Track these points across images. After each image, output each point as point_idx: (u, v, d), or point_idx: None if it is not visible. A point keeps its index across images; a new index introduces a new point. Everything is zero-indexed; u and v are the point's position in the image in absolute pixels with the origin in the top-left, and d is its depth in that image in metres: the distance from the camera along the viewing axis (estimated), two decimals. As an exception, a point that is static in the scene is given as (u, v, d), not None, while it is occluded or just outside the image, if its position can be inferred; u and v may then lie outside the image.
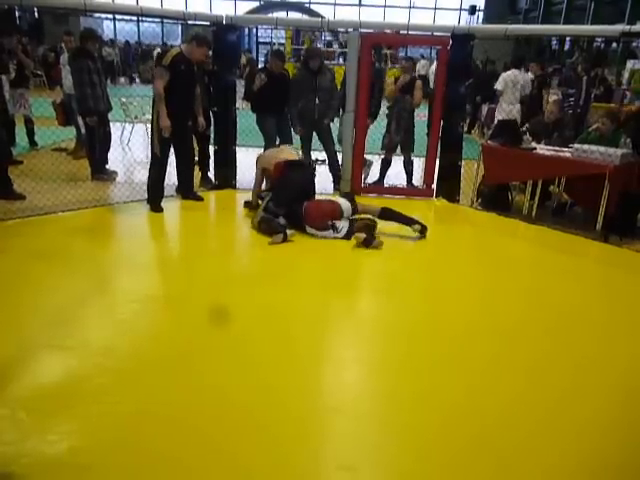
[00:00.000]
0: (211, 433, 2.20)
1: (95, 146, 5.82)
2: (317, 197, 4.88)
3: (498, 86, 7.45)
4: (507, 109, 7.20)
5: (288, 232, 4.39)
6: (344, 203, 4.61)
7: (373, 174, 6.45)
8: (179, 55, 4.79)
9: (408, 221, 4.66)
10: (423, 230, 4.63)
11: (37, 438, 2.11)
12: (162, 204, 5.11)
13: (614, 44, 15.10)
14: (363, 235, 4.33)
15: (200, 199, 5.48)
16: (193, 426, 2.23)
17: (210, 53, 5.87)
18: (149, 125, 5.12)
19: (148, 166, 5.10)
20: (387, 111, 6.21)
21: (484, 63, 12.44)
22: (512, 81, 7.31)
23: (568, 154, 5.10)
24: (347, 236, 4.47)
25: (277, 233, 4.36)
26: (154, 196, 5.11)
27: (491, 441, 2.24)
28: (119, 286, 3.62)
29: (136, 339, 2.93)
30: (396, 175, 6.34)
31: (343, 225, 4.52)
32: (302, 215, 4.52)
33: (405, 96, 5.98)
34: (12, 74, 6.47)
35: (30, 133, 7.33)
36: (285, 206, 4.59)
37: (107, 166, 6.17)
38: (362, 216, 4.64)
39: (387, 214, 4.68)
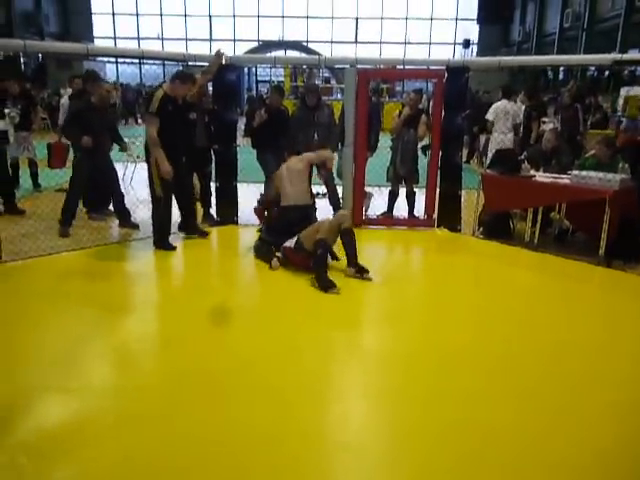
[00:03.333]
0: (215, 478, 2.15)
1: (87, 183, 5.62)
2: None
3: (489, 116, 7.56)
4: (499, 139, 7.29)
5: (278, 254, 4.60)
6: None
7: (373, 206, 6.48)
8: (165, 97, 4.74)
9: (351, 259, 4.42)
10: (359, 272, 4.36)
11: (38, 484, 2.07)
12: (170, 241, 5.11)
13: (607, 72, 15.35)
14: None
15: (205, 234, 5.53)
16: (198, 472, 2.18)
17: (210, 92, 5.97)
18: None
19: (151, 208, 5.04)
20: (391, 143, 6.24)
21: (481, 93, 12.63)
22: (502, 111, 7.42)
23: (567, 181, 5.13)
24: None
25: (270, 259, 4.57)
26: (162, 236, 5.07)
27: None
28: (121, 326, 3.60)
29: (138, 380, 2.90)
30: (397, 206, 6.37)
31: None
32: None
33: (409, 130, 6.04)
34: (17, 118, 6.57)
35: (34, 176, 7.41)
36: (275, 238, 4.79)
37: (110, 207, 6.01)
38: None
39: (345, 239, 4.43)
